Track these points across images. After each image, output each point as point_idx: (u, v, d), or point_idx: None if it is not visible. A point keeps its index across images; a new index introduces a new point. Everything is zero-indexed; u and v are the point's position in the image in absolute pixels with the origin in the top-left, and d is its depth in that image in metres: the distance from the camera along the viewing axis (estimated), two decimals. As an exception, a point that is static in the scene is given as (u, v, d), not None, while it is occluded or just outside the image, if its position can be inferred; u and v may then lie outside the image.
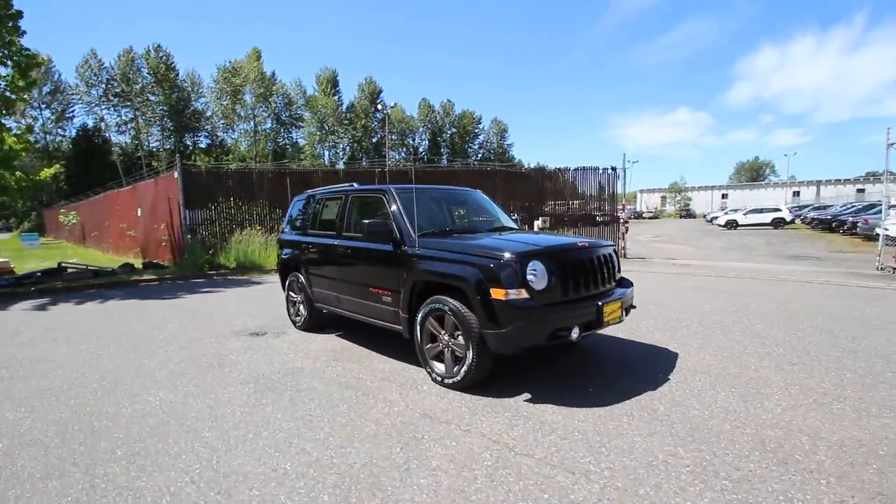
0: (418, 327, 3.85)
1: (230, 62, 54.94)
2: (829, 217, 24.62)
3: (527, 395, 3.42)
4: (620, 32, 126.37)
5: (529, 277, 3.27)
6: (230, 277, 11.14)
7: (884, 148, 9.64)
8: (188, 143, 55.32)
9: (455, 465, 2.50)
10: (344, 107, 61.07)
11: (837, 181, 58.82)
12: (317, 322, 5.61)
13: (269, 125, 58.86)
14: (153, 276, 10.85)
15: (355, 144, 61.77)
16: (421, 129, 70.54)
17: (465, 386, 3.51)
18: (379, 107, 52.41)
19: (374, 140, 64.46)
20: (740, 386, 3.47)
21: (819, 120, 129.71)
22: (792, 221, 29.57)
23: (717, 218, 35.03)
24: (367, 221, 4.20)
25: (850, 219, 20.80)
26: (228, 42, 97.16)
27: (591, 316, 3.42)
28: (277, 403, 3.43)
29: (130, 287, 9.73)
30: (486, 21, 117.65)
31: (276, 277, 10.21)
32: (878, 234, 11.17)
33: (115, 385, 4.00)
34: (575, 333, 3.29)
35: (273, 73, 57.09)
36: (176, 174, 12.29)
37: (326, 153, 61.48)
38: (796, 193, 60.46)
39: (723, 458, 2.49)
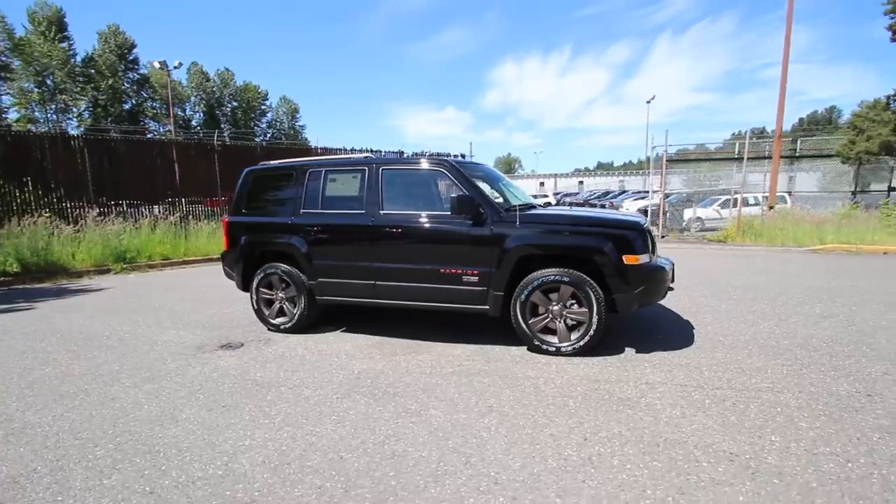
0: (519, 303, 3.80)
1: None
2: (582, 201, 32.48)
3: (632, 351, 3.86)
4: (397, 27, 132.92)
5: (648, 245, 3.69)
6: (17, 287, 7.72)
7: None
8: None
9: (669, 398, 2.77)
10: (78, 58, 46.38)
11: (566, 174, 77.11)
12: (313, 320, 4.67)
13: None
14: None
15: (98, 109, 47.89)
16: (193, 99, 59.67)
17: (588, 349, 3.70)
18: (152, 66, 41.94)
19: (126, 106, 51.34)
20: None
21: (546, 126, 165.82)
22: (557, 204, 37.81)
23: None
24: (455, 197, 3.80)
25: (598, 202, 27.97)
26: None
27: (672, 276, 4.08)
28: (451, 421, 2.94)
29: None
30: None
31: (100, 281, 7.78)
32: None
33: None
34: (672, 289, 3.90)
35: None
36: None
37: (51, 118, 45.73)
38: (542, 184, 76.72)
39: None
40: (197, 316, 5.48)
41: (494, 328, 4.53)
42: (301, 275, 4.54)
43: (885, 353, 3.64)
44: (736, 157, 19.65)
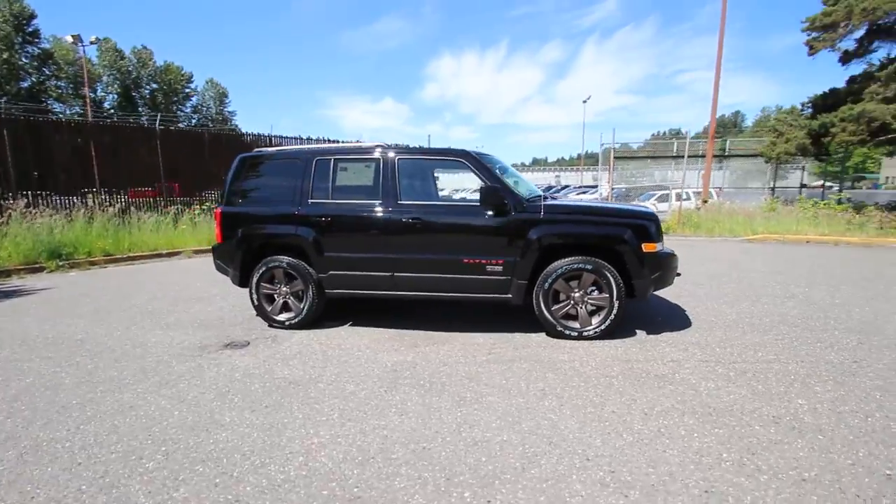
0: (542, 292, 3.92)
1: None
2: (526, 195, 33.65)
3: (643, 333, 4.13)
4: (331, 13, 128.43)
5: (661, 234, 3.96)
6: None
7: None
8: None
9: (699, 373, 3.05)
10: (-42, 25, 40.03)
11: (506, 169, 79.27)
12: (319, 314, 4.49)
13: None
14: None
15: (-12, 86, 41.74)
16: (106, 79, 53.79)
17: (608, 333, 3.91)
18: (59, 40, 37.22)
19: (24, 84, 45.25)
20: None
21: (483, 121, 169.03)
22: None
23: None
24: (483, 188, 3.83)
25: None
26: None
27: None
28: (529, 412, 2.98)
29: None
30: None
31: (34, 280, 7.05)
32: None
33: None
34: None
35: None
36: None
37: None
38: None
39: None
40: (178, 315, 5.05)
41: (504, 316, 4.64)
42: (308, 267, 4.34)
43: (852, 326, 4.20)
44: (674, 155, 21.31)
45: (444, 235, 4.10)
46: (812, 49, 12.51)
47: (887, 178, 37.72)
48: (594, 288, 3.91)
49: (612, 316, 3.86)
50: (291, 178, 4.43)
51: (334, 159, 4.36)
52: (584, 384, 3.09)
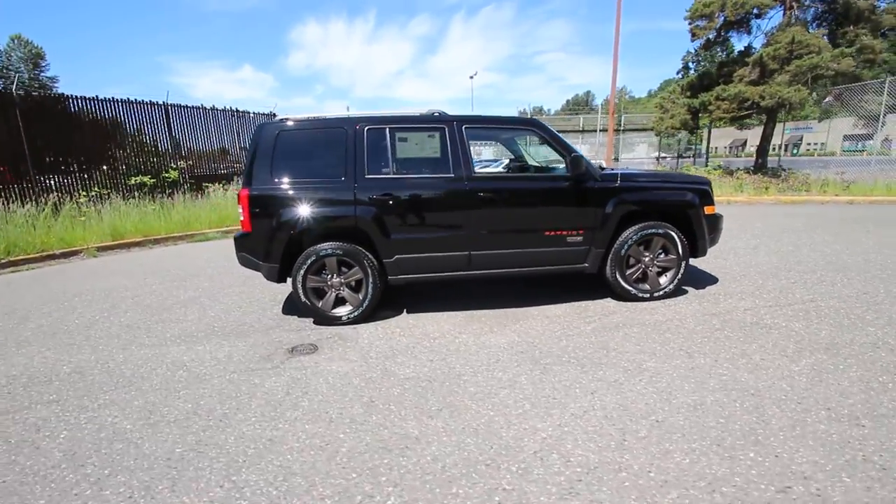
0: (618, 258, 4.04)
1: None
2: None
3: (693, 290, 4.52)
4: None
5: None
6: None
7: None
8: None
9: (778, 317, 3.51)
10: None
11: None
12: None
13: None
14: None
15: None
16: None
17: (673, 291, 4.20)
18: None
19: None
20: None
21: (357, 95, 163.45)
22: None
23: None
24: (574, 156, 3.73)
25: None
26: None
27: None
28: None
29: None
30: None
31: None
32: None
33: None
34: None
35: None
36: None
37: None
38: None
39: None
40: (181, 326, 4.09)
41: (558, 286, 4.68)
42: (368, 253, 3.83)
43: (841, 265, 5.13)
44: (580, 129, 23.16)
45: (524, 209, 3.94)
46: (694, 35, 14.56)
47: (714, 148, 46.19)
48: (661, 251, 4.15)
49: (679, 275, 4.16)
50: (338, 151, 3.80)
51: (390, 129, 3.84)
52: (708, 338, 3.30)
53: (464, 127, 3.89)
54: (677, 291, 4.31)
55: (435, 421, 2.41)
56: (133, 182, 10.11)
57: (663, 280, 4.18)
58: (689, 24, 14.63)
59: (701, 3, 13.81)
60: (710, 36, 15.45)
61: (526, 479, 1.94)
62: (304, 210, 3.72)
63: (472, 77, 44.73)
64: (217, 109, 11.65)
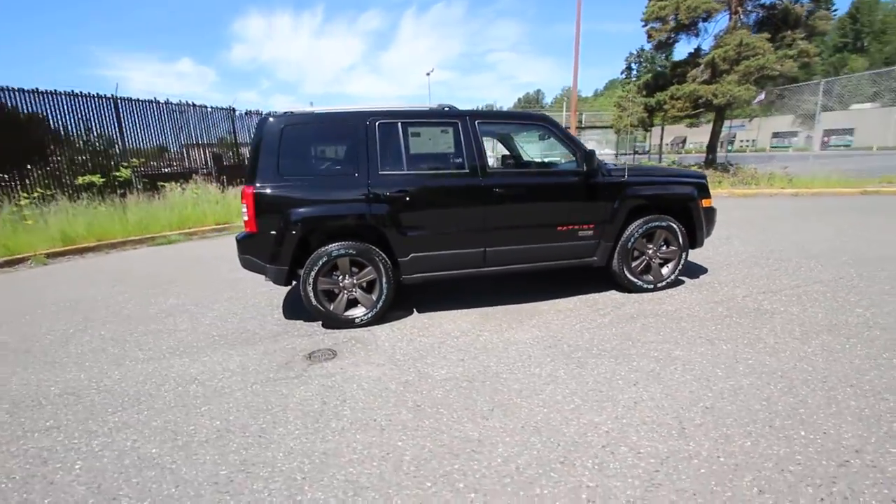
0: (624, 251, 4.14)
1: None
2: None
3: (688, 279, 4.72)
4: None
5: (709, 191, 4.53)
6: None
7: None
8: None
9: (776, 303, 3.75)
10: None
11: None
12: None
13: None
14: None
15: None
16: None
17: (675, 282, 4.37)
18: None
19: None
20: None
21: (307, 90, 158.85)
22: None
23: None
24: (586, 151, 3.76)
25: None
26: None
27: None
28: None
29: None
30: None
31: None
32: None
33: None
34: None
35: None
36: None
37: None
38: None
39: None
40: (178, 336, 3.78)
41: (559, 281, 4.74)
42: (381, 252, 3.70)
43: (812, 253, 5.53)
44: None
45: (539, 204, 3.94)
46: (650, 37, 15.25)
47: (657, 145, 48.69)
48: (663, 243, 4.30)
49: (680, 266, 4.33)
50: (349, 146, 3.64)
51: (401, 123, 3.71)
52: (720, 325, 3.45)
53: (476, 122, 3.84)
54: (676, 282, 4.48)
55: (491, 421, 2.36)
56: (81, 182, 9.25)
57: (665, 271, 4.34)
58: (644, 26, 15.34)
59: (656, 7, 14.49)
60: (662, 38, 16.24)
61: (604, 474, 1.94)
62: (315, 208, 3.54)
63: (428, 74, 44.61)
64: (172, 104, 10.87)
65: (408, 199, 3.65)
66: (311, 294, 3.63)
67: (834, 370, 2.72)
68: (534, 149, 5.32)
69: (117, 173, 9.78)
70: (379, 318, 3.81)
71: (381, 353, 3.28)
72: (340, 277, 3.71)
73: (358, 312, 3.75)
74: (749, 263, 5.18)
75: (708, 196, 4.37)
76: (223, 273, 5.92)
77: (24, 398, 2.84)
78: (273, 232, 3.52)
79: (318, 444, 2.23)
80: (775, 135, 51.25)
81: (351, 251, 3.63)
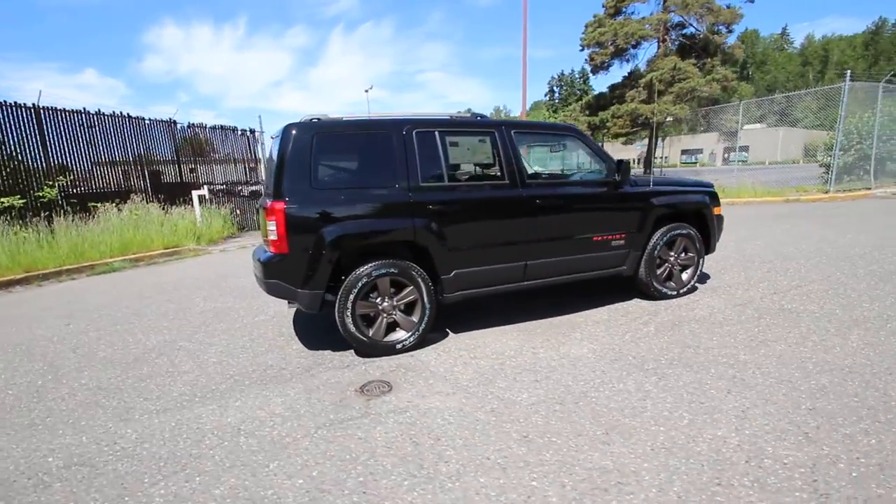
0: (650, 259, 4.20)
1: None
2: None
3: (701, 286, 4.89)
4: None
5: (718, 199, 4.74)
6: None
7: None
8: None
9: (802, 301, 4.00)
10: None
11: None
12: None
13: None
14: None
15: None
16: None
17: (693, 288, 4.49)
18: None
19: None
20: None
21: (230, 105, 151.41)
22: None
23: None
24: (619, 161, 3.79)
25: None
26: None
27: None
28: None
29: None
30: None
31: None
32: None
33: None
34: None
35: None
36: None
37: None
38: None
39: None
40: (193, 378, 3.22)
41: (578, 292, 4.71)
42: (422, 269, 3.42)
43: (787, 255, 5.97)
44: None
45: (576, 214, 3.88)
46: (592, 60, 16.30)
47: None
48: (682, 250, 4.42)
49: (698, 272, 4.47)
50: (385, 155, 3.35)
51: (439, 132, 3.50)
52: (761, 327, 3.57)
53: (513, 131, 3.72)
54: (692, 287, 4.64)
55: (614, 447, 2.19)
56: (-5, 205, 7.85)
57: (685, 277, 4.46)
58: (582, 49, 16.42)
59: (597, 33, 15.56)
60: (600, 62, 17.43)
61: (769, 490, 1.84)
62: (356, 223, 3.20)
63: (367, 91, 44.25)
64: (105, 114, 9.65)
65: (451, 211, 3.43)
66: (350, 320, 3.25)
67: (888, 362, 2.87)
68: (535, 160, 5.28)
69: (40, 193, 8.44)
70: (419, 342, 3.51)
71: (442, 380, 2.99)
72: (381, 299, 3.37)
73: (398, 337, 3.42)
74: (741, 267, 5.50)
75: (718, 204, 4.59)
76: (197, 302, 5.25)
77: (16, 476, 2.21)
78: (309, 251, 3.12)
79: (440, 494, 1.92)
80: (684, 152, 56.80)
81: (392, 270, 3.31)
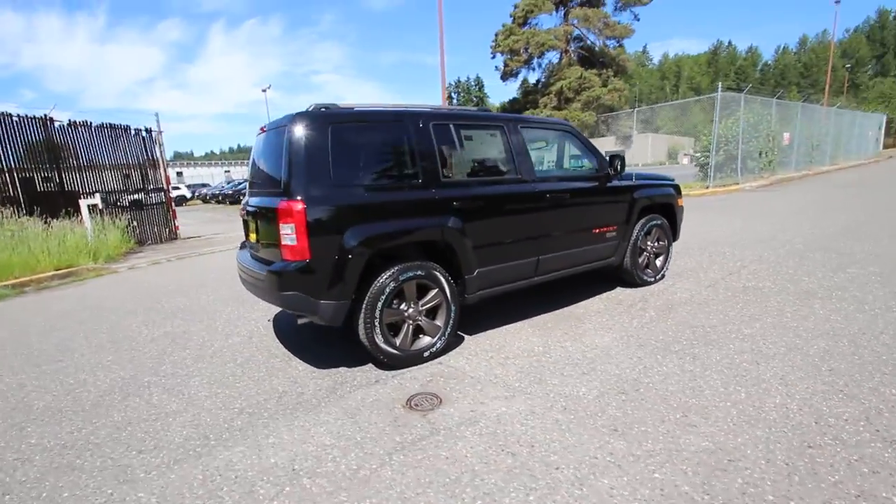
0: (633, 248, 4.47)
1: None
2: (229, 192, 29.43)
3: (670, 274, 5.31)
4: None
5: (676, 191, 5.17)
6: None
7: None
8: None
9: (779, 283, 4.57)
10: None
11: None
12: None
13: None
14: None
15: None
16: None
17: (664, 275, 4.87)
18: None
19: None
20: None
21: (89, 104, 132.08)
22: (192, 198, 32.26)
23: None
24: (614, 155, 3.97)
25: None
26: None
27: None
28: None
29: None
30: None
31: None
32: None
33: None
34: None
35: None
36: None
37: None
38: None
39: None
40: (197, 415, 2.64)
41: (561, 285, 4.85)
42: (446, 270, 3.24)
43: (736, 242, 6.74)
44: None
45: (580, 208, 3.97)
46: (507, 66, 17.03)
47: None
48: (657, 239, 4.77)
49: (670, 258, 4.86)
50: (403, 149, 3.10)
51: (454, 125, 3.34)
52: (746, 303, 3.97)
53: (519, 126, 3.69)
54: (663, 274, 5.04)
55: (702, 428, 2.24)
56: None
57: (658, 263, 4.82)
58: (493, 56, 17.13)
59: (510, 40, 16.36)
60: (513, 69, 18.34)
61: (849, 445, 2.02)
62: (384, 225, 2.90)
63: (264, 90, 41.51)
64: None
65: (475, 208, 3.29)
66: (379, 331, 2.95)
67: (867, 323, 3.35)
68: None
69: None
70: (445, 347, 3.31)
71: (490, 384, 2.84)
72: (406, 305, 3.11)
73: (425, 343, 3.19)
74: (684, 254, 6.08)
75: (681, 196, 5.04)
76: (138, 329, 4.43)
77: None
78: (336, 257, 2.75)
79: (573, 503, 1.80)
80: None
81: (419, 272, 3.08)
